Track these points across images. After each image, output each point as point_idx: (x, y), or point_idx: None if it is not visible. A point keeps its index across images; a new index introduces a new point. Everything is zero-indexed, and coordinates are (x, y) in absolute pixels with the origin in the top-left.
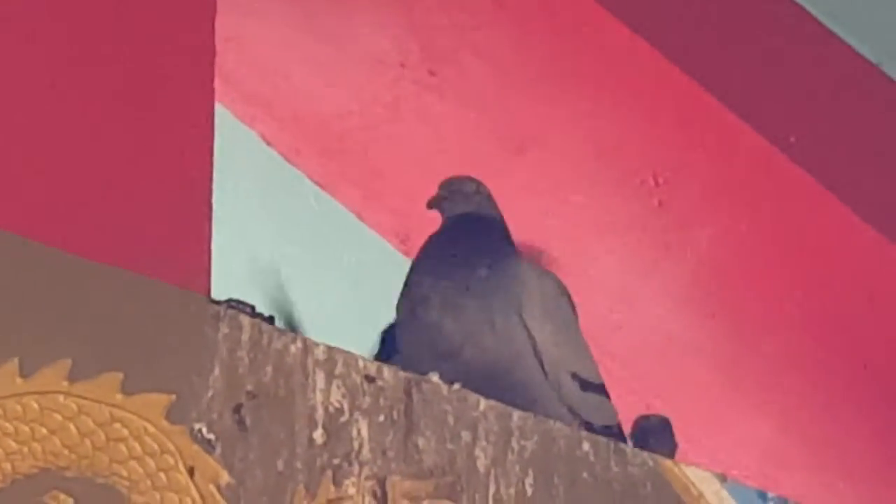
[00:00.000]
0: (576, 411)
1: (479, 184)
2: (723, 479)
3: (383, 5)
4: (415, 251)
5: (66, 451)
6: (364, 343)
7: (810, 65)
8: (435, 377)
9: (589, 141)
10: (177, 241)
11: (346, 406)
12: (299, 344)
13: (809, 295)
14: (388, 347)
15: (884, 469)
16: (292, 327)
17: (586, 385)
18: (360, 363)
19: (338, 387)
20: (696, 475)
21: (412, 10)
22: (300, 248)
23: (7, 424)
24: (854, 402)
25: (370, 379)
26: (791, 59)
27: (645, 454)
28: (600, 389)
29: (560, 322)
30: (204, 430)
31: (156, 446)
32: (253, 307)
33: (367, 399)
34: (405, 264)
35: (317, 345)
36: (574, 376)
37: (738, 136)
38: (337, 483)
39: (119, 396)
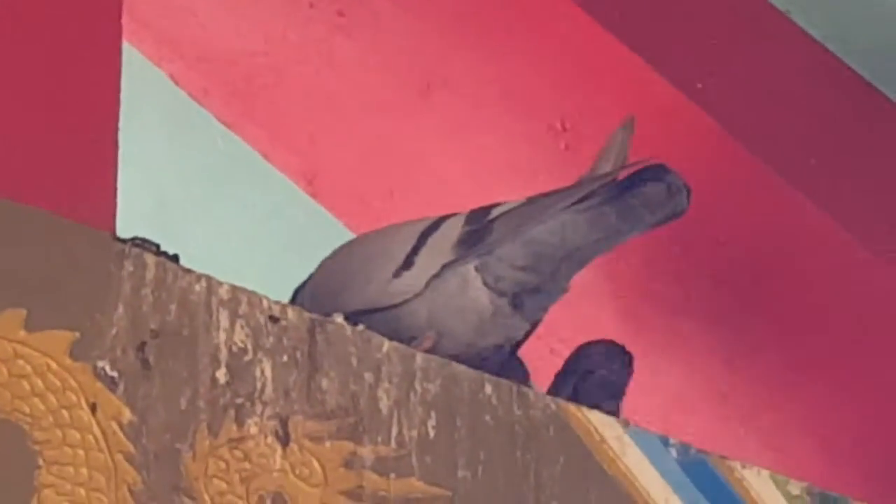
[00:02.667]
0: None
1: None
2: (625, 424)
3: None
4: (321, 193)
5: None
6: (269, 283)
7: (717, 10)
8: (339, 318)
9: (496, 84)
10: (83, 179)
11: (249, 346)
12: (203, 283)
13: (714, 239)
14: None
15: (784, 414)
16: None
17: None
18: (265, 303)
19: (241, 326)
20: (598, 420)
21: None
22: (206, 188)
23: None
24: (757, 348)
25: (274, 319)
26: (698, 4)
27: (548, 398)
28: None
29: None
30: (107, 367)
31: (58, 383)
32: (157, 245)
33: (271, 339)
34: (311, 205)
35: (221, 284)
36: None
37: (646, 81)
38: (239, 422)
39: (22, 333)
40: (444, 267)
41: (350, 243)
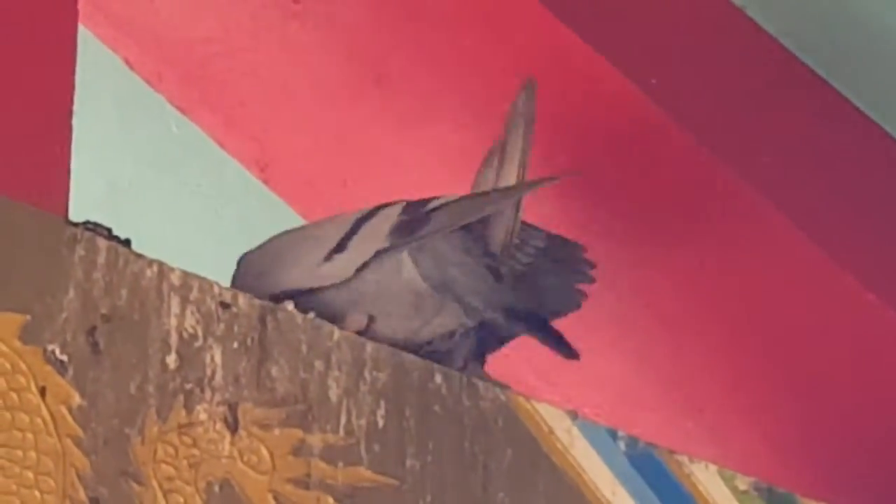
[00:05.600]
0: None
1: None
2: (574, 416)
3: None
4: (274, 179)
5: None
6: (221, 270)
7: (673, 5)
8: (290, 306)
9: (451, 74)
10: (35, 162)
11: (200, 332)
12: (155, 268)
13: (665, 232)
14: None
15: (732, 409)
16: None
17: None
18: (216, 289)
19: (192, 312)
20: (547, 412)
21: None
22: (159, 174)
23: None
24: (705, 341)
25: (225, 305)
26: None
27: (498, 389)
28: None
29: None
30: (57, 351)
31: (8, 366)
32: (110, 230)
33: (222, 325)
34: (263, 192)
35: (172, 269)
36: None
37: (599, 74)
38: (188, 408)
39: None
40: (378, 253)
41: (289, 230)
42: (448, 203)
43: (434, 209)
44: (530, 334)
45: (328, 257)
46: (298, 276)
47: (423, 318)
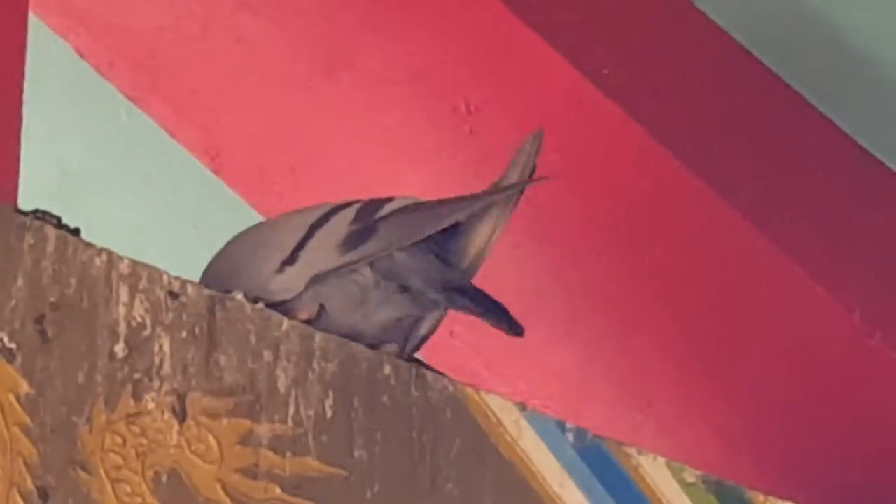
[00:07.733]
0: None
1: None
2: (522, 408)
3: None
4: (224, 169)
5: None
6: (169, 259)
7: None
8: (239, 295)
9: (401, 65)
10: None
11: (148, 321)
12: (104, 257)
13: (615, 224)
14: None
15: (680, 402)
16: None
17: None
18: (164, 279)
19: (141, 301)
20: (496, 403)
21: None
22: (109, 163)
23: None
24: (654, 333)
25: (174, 295)
26: None
27: (446, 380)
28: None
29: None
30: (5, 339)
31: None
32: (59, 218)
33: (170, 315)
34: (213, 181)
35: (121, 259)
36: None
37: (552, 66)
38: (136, 397)
39: None
40: (329, 273)
41: (250, 228)
42: (397, 210)
43: (383, 217)
44: (473, 308)
45: (280, 269)
46: (256, 286)
47: (363, 311)
